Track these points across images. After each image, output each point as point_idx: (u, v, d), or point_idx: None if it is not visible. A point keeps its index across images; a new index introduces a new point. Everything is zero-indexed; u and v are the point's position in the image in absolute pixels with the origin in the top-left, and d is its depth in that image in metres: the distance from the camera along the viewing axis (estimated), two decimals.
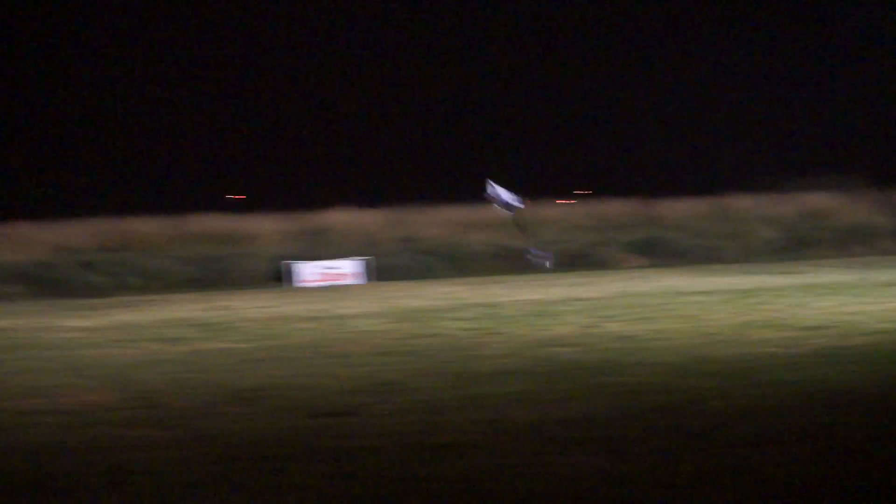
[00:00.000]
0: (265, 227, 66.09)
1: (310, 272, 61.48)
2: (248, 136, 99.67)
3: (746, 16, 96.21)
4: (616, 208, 67.66)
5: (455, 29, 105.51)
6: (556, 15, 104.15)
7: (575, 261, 63.24)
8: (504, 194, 60.28)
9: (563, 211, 70.32)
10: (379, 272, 62.14)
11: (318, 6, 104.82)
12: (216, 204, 73.16)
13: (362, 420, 16.15)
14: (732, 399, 17.08)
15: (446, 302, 40.77)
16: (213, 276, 61.27)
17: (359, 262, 62.40)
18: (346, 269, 62.06)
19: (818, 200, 64.69)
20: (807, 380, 18.82)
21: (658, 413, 15.88)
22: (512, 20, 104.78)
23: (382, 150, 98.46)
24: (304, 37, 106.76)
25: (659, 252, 61.13)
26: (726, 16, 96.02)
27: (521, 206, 60.80)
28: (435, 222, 65.72)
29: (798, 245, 61.16)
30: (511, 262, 63.58)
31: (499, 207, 60.73)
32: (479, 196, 61.25)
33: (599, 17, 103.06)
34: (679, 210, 64.28)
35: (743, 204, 63.83)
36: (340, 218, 67.79)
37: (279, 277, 61.50)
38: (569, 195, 76.12)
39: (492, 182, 59.96)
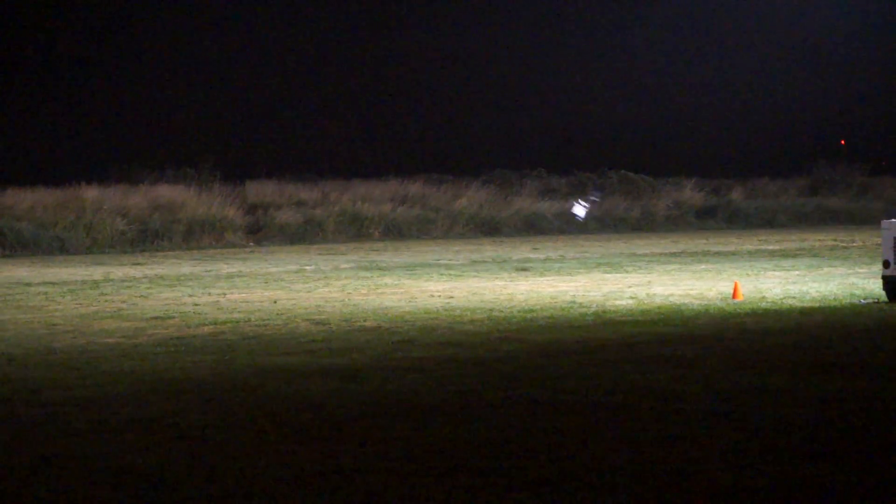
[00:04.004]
0: None
1: None
2: None
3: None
4: None
5: None
6: None
7: None
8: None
9: None
10: None
11: None
12: None
13: None
14: (70, 389, 17.05)
15: None
16: None
17: None
18: None
19: (169, 192, 65.36)
20: (147, 370, 19.07)
21: None
22: None
23: None
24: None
25: (4, 243, 59.67)
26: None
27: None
28: None
29: (148, 237, 61.48)
30: None
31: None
32: None
33: None
34: (26, 200, 63.04)
35: (93, 194, 63.44)
36: None
37: None
38: None
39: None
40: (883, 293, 28.04)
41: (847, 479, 11.63)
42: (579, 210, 66.38)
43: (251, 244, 61.50)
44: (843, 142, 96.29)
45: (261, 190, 68.42)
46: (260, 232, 63.54)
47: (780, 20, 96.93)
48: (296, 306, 29.32)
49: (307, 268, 43.10)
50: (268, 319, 26.50)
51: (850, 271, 36.41)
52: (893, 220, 28.18)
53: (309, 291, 33.53)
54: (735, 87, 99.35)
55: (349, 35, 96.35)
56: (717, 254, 47.07)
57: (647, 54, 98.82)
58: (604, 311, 26.73)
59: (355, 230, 64.87)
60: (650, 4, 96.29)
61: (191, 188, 66.30)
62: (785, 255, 45.43)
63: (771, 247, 51.06)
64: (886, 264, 27.91)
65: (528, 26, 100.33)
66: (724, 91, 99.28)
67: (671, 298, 29.34)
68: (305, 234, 63.51)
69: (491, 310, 27.49)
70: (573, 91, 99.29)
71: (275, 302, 30.51)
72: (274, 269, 42.48)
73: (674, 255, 47.03)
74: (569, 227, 68.64)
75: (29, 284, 37.23)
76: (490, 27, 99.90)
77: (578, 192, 71.80)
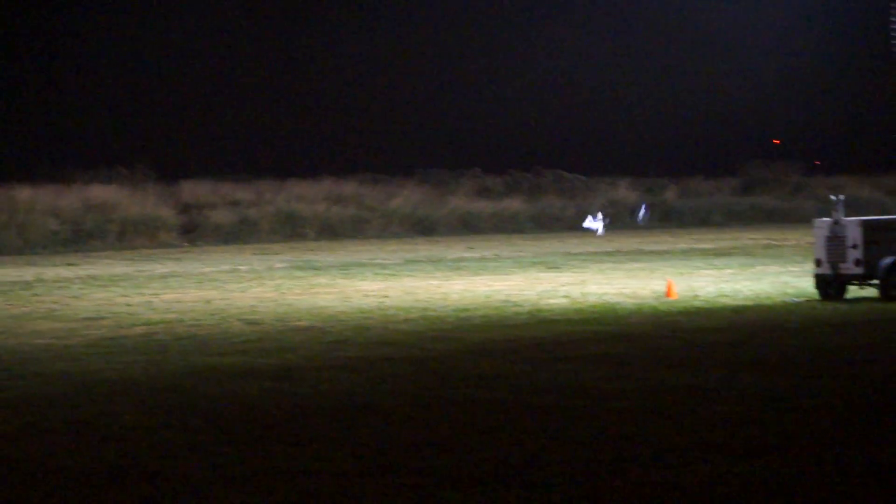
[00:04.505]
0: None
1: None
2: None
3: None
4: None
5: None
6: None
7: None
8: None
9: None
10: None
11: None
12: None
13: None
14: (2, 391, 16.88)
15: None
16: None
17: None
18: None
19: (102, 193, 64.89)
20: (80, 371, 18.92)
21: None
22: None
23: None
24: None
25: None
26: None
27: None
28: None
29: (81, 237, 61.04)
30: None
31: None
32: None
33: None
34: None
35: (25, 194, 62.86)
36: None
37: None
38: None
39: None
40: (815, 291, 28.28)
41: (778, 475, 11.71)
42: (594, 225, 67.14)
43: (185, 244, 61.13)
44: (776, 140, 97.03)
45: (195, 190, 68.06)
46: (194, 232, 63.21)
47: (715, 21, 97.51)
48: (229, 306, 29.19)
49: (241, 268, 42.93)
50: (201, 320, 26.37)
51: (783, 270, 36.69)
52: (826, 219, 28.44)
53: (243, 291, 33.40)
54: (670, 88, 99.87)
55: (282, 34, 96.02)
56: (652, 252, 47.31)
57: (584, 54, 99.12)
58: (538, 310, 26.78)
59: (290, 230, 64.67)
60: (585, 3, 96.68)
61: (124, 188, 65.88)
62: (718, 253, 45.72)
63: (705, 245, 51.37)
64: (818, 263, 28.15)
65: (461, 25, 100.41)
66: (658, 91, 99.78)
67: (605, 297, 29.44)
68: (240, 233, 63.23)
69: (425, 309, 27.49)
70: (508, 91, 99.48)
71: (208, 302, 30.36)
72: (208, 269, 42.28)
73: (608, 253, 47.22)
74: (503, 224, 68.75)
75: None
76: (424, 26, 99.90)
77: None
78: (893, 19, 30.44)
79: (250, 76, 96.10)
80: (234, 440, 13.71)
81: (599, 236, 63.89)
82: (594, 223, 66.38)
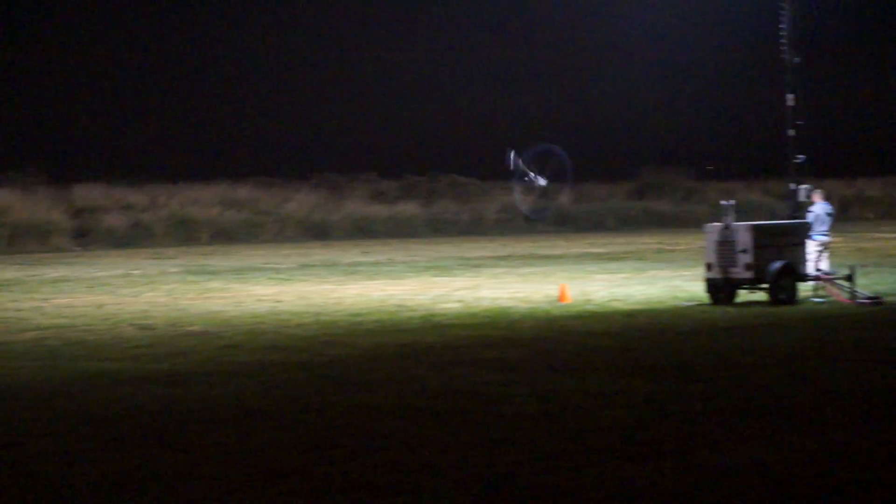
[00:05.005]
0: None
1: None
2: None
3: None
4: None
5: None
6: None
7: None
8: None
9: None
10: None
11: None
12: None
13: None
14: None
15: None
16: None
17: None
18: None
19: None
20: None
21: None
22: None
23: None
24: None
25: None
26: None
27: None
28: None
29: None
30: None
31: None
32: None
33: None
34: None
35: None
36: None
37: None
38: None
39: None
40: (705, 295, 28.60)
41: (666, 479, 11.82)
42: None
43: (77, 248, 60.48)
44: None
45: (88, 193, 67.34)
46: (87, 236, 62.54)
47: (608, 26, 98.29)
48: (121, 311, 28.93)
49: (134, 272, 42.55)
50: (92, 324, 26.11)
51: (675, 274, 37.07)
52: (716, 223, 28.78)
53: (135, 296, 33.11)
54: (563, 93, 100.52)
55: (174, 35, 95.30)
56: (545, 257, 47.60)
57: (473, 59, 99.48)
58: (431, 315, 26.82)
59: (184, 234, 64.20)
60: (472, 9, 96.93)
61: (15, 192, 65.02)
62: (611, 258, 46.10)
63: (598, 250, 51.77)
64: (709, 267, 28.49)
65: (355, 28, 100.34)
66: (551, 96, 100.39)
67: (498, 302, 29.55)
68: (133, 238, 62.67)
69: (318, 314, 27.42)
70: (404, 95, 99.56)
71: (100, 307, 30.07)
72: (100, 274, 41.86)
73: (502, 258, 47.42)
74: (398, 229, 68.77)
75: None
76: (317, 30, 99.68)
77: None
78: (783, 26, 30.79)
79: (143, 79, 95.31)
80: (124, 446, 13.58)
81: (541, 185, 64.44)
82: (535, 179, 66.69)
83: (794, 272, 28.24)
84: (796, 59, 30.98)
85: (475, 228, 70.81)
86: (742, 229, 28.15)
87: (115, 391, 17.26)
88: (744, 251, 27.90)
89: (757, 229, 28.28)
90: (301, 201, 69.77)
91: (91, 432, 14.38)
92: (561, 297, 29.35)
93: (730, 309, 27.28)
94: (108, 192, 67.96)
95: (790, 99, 31.09)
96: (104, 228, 62.96)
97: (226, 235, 64.91)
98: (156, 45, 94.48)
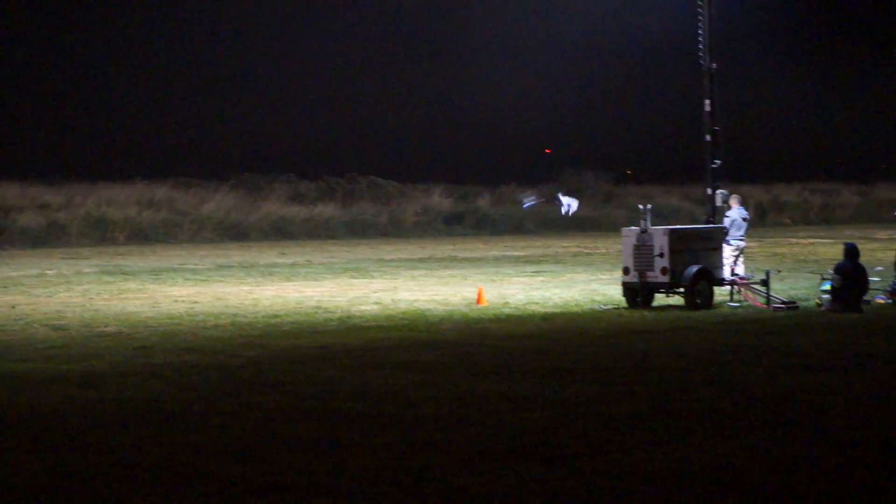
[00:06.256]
0: None
1: None
2: None
3: None
4: None
5: None
6: None
7: None
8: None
9: None
10: None
11: None
12: None
13: None
14: None
15: None
16: None
17: None
18: None
19: None
20: None
21: None
22: None
23: None
24: None
25: None
26: None
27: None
28: None
29: None
30: None
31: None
32: None
33: None
34: None
35: None
36: None
37: None
38: None
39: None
40: (622, 299, 28.73)
41: (582, 482, 11.82)
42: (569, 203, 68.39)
43: None
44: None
45: (2, 192, 66.52)
46: (0, 236, 61.76)
47: (528, 30, 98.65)
48: (35, 311, 28.58)
49: (49, 272, 42.06)
50: (5, 325, 25.77)
51: (592, 277, 37.21)
52: (633, 227, 28.91)
53: (49, 296, 32.73)
54: (483, 96, 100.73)
55: (94, 34, 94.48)
56: (464, 259, 47.62)
57: (388, 61, 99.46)
58: (348, 317, 26.73)
59: (100, 234, 63.56)
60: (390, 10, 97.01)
61: None
62: (529, 261, 46.20)
63: (516, 253, 51.89)
64: (626, 271, 28.60)
65: (275, 28, 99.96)
66: (472, 99, 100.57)
67: (416, 304, 29.51)
68: (48, 237, 61.95)
69: (235, 315, 27.24)
70: (323, 95, 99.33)
71: (13, 307, 29.69)
72: (14, 274, 41.35)
73: (421, 260, 47.39)
74: (317, 230, 68.57)
75: None
76: (239, 29, 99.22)
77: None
78: (701, 32, 31.02)
79: (61, 76, 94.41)
80: (34, 449, 13.38)
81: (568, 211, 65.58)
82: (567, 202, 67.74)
83: (711, 276, 28.44)
84: (713, 65, 31.20)
85: (394, 230, 70.73)
86: (659, 233, 28.29)
87: (27, 392, 17.02)
88: (660, 255, 28.04)
89: (673, 234, 28.44)
90: (219, 202, 69.33)
91: (1, 434, 14.16)
92: (479, 300, 29.35)
93: (647, 313, 27.41)
94: (24, 190, 67.19)
95: (707, 104, 31.30)
96: (18, 228, 62.20)
97: (143, 236, 64.36)
98: (75, 42, 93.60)
